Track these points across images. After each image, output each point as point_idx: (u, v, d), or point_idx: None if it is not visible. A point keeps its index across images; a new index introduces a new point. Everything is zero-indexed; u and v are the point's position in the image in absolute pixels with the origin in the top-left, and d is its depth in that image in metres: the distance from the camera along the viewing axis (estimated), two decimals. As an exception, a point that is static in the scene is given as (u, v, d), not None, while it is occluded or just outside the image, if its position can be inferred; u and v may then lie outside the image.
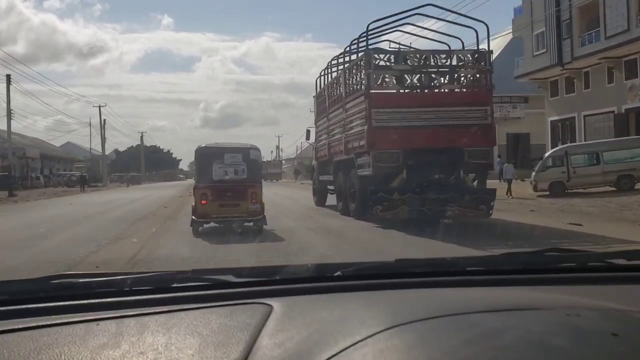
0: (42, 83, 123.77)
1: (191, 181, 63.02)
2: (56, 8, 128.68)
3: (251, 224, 10.83)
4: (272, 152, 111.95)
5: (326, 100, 14.86)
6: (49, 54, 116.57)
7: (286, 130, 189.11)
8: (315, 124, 17.01)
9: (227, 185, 10.87)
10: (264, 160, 72.75)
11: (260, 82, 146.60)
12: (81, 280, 1.40)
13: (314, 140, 18.48)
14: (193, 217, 10.76)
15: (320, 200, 16.95)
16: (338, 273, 1.51)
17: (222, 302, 1.25)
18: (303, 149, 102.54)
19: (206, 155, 11.22)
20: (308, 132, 18.71)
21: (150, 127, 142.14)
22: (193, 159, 12.58)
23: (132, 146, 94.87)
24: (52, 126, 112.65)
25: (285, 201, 19.98)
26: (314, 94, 17.47)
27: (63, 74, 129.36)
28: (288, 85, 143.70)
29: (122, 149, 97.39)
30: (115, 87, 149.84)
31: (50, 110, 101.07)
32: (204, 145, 11.63)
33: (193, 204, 11.07)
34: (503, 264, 1.73)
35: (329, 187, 16.37)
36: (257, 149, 11.60)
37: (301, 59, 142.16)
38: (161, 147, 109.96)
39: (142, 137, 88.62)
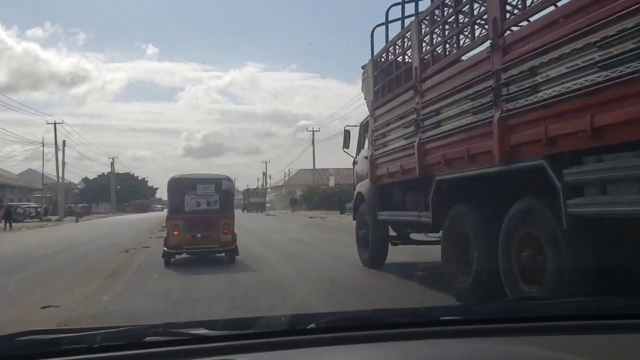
0: (22, 111, 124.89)
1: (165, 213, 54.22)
2: (39, 37, 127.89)
3: (223, 254, 11.32)
4: (258, 179, 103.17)
5: (417, 56, 7.07)
6: (31, 83, 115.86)
7: (268, 157, 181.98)
8: (372, 114, 8.90)
9: (199, 216, 11.32)
10: (250, 188, 64.42)
11: (243, 112, 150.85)
12: (49, 336, 1.41)
13: (356, 148, 11.24)
14: (165, 248, 11.16)
15: (377, 257, 9.59)
16: (312, 325, 1.54)
17: (193, 358, 1.31)
18: (291, 175, 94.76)
19: (179, 187, 11.68)
20: (347, 133, 10.72)
21: (131, 157, 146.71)
22: None
23: (103, 174, 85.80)
24: (32, 155, 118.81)
25: (305, 250, 12.95)
26: (365, 62, 9.50)
27: (44, 103, 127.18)
28: (271, 115, 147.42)
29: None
30: (96, 116, 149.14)
31: (22, 139, 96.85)
32: (176, 176, 12.05)
33: (165, 235, 11.48)
34: (477, 314, 1.76)
35: (392, 235, 9.58)
36: (229, 180, 12.19)
37: (284, 89, 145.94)
38: (135, 175, 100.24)
39: (112, 164, 79.43)
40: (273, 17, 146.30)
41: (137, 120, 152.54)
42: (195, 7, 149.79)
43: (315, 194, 58.01)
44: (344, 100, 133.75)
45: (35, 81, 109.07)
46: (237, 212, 51.31)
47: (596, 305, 1.76)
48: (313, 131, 61.99)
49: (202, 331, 1.49)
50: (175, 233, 11.29)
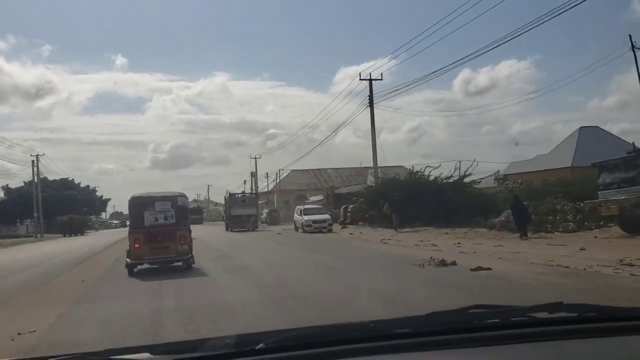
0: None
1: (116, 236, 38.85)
2: (1, 49, 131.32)
3: (181, 263, 14.60)
4: (245, 181, 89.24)
5: None
6: None
7: (237, 169, 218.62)
8: None
9: (158, 230, 14.29)
10: (234, 194, 53.53)
11: (211, 122, 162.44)
12: None
13: None
14: (128, 259, 14.36)
15: None
16: (261, 345, 1.62)
17: None
18: (281, 177, 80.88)
19: (138, 204, 14.69)
20: None
21: (97, 171, 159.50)
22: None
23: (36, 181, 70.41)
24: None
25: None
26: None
27: (6, 117, 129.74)
28: (239, 124, 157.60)
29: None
30: (58, 130, 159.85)
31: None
32: (136, 195, 15.20)
33: (128, 247, 14.67)
34: (427, 325, 1.91)
35: None
36: (184, 196, 15.46)
37: (253, 98, 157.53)
38: (76, 181, 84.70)
39: (35, 163, 63.00)
40: (241, 27, 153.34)
41: (102, 133, 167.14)
42: (163, 18, 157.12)
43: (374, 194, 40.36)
44: (310, 108, 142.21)
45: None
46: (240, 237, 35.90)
47: (545, 312, 1.94)
48: (370, 79, 43.02)
49: (145, 356, 1.62)
50: (136, 246, 14.17)
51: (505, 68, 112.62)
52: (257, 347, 1.57)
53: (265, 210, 65.37)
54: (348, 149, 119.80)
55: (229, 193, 54.05)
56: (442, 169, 37.92)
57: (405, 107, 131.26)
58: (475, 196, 35.44)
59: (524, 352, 1.65)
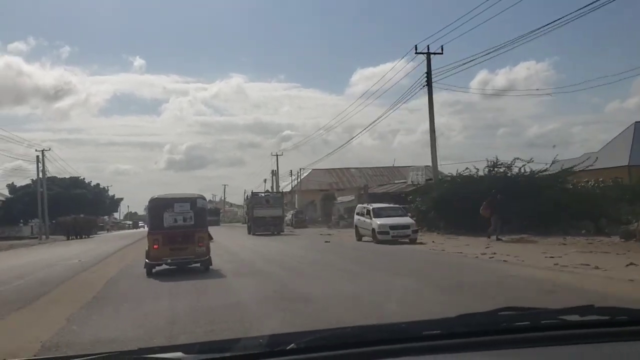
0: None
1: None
2: (22, 50, 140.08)
3: (198, 264, 14.89)
4: (265, 180, 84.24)
5: None
6: (13, 97, 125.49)
7: (252, 170, 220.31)
8: None
9: (177, 231, 14.62)
10: (258, 193, 49.65)
11: (226, 124, 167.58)
12: None
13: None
14: (146, 260, 14.59)
15: None
16: (292, 346, 1.63)
17: None
18: (302, 177, 76.51)
19: (158, 205, 15.06)
20: None
21: (113, 172, 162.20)
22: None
23: (40, 178, 65.92)
24: (11, 172, 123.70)
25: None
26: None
27: (26, 118, 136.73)
28: (253, 126, 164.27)
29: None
30: (76, 131, 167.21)
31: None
32: (155, 196, 15.51)
33: (146, 248, 14.93)
34: (458, 327, 1.90)
35: None
36: (203, 198, 16.01)
37: (268, 100, 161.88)
38: (85, 179, 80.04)
39: (40, 159, 57.99)
40: (257, 29, 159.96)
41: (118, 134, 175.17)
42: (180, 20, 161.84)
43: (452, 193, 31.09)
44: (325, 110, 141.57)
45: (18, 95, 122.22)
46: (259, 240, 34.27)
47: (577, 315, 1.90)
48: (429, 53, 34.73)
49: (179, 355, 1.62)
50: (155, 247, 14.44)
51: (523, 70, 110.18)
52: (288, 348, 1.59)
53: (291, 212, 60.89)
54: (364, 151, 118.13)
55: (252, 192, 49.53)
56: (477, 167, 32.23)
57: (421, 108, 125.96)
58: (582, 195, 28.43)
59: (554, 354, 1.65)
